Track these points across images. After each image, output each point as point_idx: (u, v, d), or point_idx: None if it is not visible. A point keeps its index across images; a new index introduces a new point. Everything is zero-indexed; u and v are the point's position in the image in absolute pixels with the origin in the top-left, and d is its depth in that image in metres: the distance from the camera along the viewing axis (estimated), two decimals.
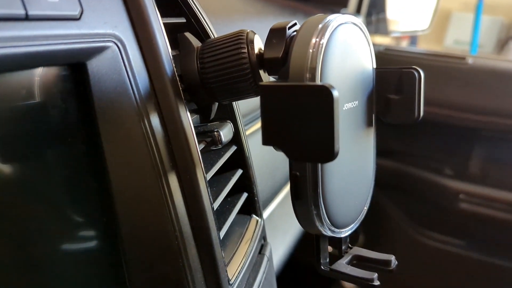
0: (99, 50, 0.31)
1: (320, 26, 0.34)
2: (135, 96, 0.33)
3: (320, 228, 0.35)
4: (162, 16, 0.40)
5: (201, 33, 0.45)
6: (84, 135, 0.31)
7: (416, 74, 0.39)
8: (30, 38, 0.25)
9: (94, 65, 0.31)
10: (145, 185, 0.33)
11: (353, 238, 1.39)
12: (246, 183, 0.51)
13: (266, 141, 0.32)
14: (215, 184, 0.46)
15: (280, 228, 0.86)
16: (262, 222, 0.52)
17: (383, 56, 1.48)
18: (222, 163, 0.45)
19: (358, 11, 1.48)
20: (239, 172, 0.49)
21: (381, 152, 1.49)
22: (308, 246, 0.53)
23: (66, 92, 0.30)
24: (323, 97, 0.28)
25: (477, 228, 1.41)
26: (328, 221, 0.35)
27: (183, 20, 0.43)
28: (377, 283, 0.36)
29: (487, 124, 1.35)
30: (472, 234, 1.42)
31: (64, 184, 0.30)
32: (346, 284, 1.54)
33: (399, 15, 1.84)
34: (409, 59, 1.45)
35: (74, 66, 0.30)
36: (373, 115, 0.40)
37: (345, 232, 0.38)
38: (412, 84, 0.39)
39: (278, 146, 0.31)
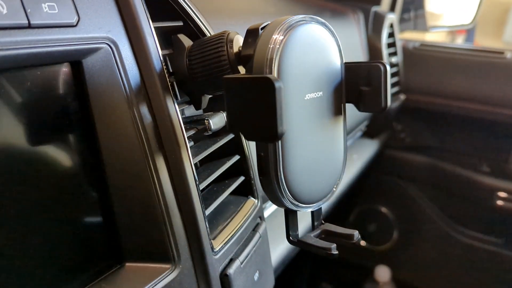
0: (94, 51, 0.38)
1: (281, 24, 0.39)
2: (125, 88, 0.39)
3: (285, 203, 0.40)
4: (163, 20, 0.47)
5: (198, 34, 0.51)
6: (81, 120, 0.38)
7: (382, 68, 0.43)
8: (32, 42, 0.32)
9: (89, 63, 0.37)
10: (133, 163, 0.40)
11: (387, 234, 1.42)
12: (243, 168, 0.57)
13: (230, 128, 0.37)
14: (211, 167, 0.52)
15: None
16: (258, 203, 0.57)
17: (418, 52, 1.48)
18: (216, 147, 0.51)
19: (392, 9, 1.49)
20: (236, 157, 0.55)
21: (417, 147, 1.50)
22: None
23: (65, 85, 0.37)
24: (267, 86, 0.33)
25: None
26: (291, 197, 0.40)
27: (180, 23, 0.49)
28: (335, 252, 0.41)
29: None
30: (508, 232, 1.39)
31: (64, 162, 0.38)
32: (379, 277, 1.55)
33: (442, 10, 1.81)
34: (445, 55, 1.44)
35: (71, 63, 0.37)
36: (343, 105, 0.44)
37: (310, 208, 0.43)
38: (379, 77, 0.43)
39: (238, 129, 0.37)
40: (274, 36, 0.38)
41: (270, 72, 0.37)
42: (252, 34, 0.42)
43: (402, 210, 1.58)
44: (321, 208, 0.46)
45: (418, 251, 1.57)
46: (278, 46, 0.37)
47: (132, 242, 0.41)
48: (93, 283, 0.38)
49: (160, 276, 0.40)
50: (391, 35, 1.35)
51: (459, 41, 4.14)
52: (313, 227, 0.46)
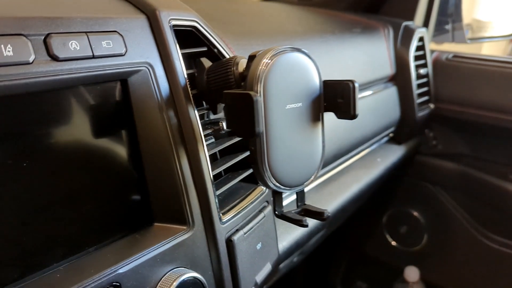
0: (136, 72, 0.54)
1: (270, 52, 0.53)
2: (158, 98, 0.55)
3: (269, 185, 0.55)
4: (193, 46, 0.63)
5: (219, 56, 0.67)
6: (126, 121, 0.54)
7: (351, 85, 0.56)
8: (95, 67, 0.49)
9: (133, 81, 0.54)
10: (162, 152, 0.56)
11: (418, 237, 1.52)
12: None
13: (228, 126, 0.52)
14: (227, 159, 0.67)
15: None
16: (266, 190, 0.71)
17: (450, 63, 1.55)
18: (231, 143, 0.66)
19: (426, 23, 1.57)
20: (247, 153, 0.70)
21: (449, 155, 1.59)
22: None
23: (116, 96, 0.53)
24: (248, 99, 0.47)
25: None
26: (274, 181, 0.54)
27: (204, 49, 0.65)
28: (306, 223, 0.54)
29: None
30: None
31: (114, 150, 0.54)
32: (409, 278, 1.63)
33: (491, 18, 1.84)
34: (477, 66, 1.50)
35: (121, 81, 0.53)
36: (321, 113, 0.58)
37: (291, 190, 0.57)
38: (348, 91, 0.56)
39: (232, 128, 0.51)
40: (263, 60, 0.52)
41: (258, 88, 0.51)
42: (251, 59, 0.56)
43: (433, 214, 1.65)
44: (303, 191, 0.60)
45: (447, 254, 1.63)
46: (265, 68, 0.52)
47: (160, 209, 0.57)
48: (130, 236, 0.55)
49: (179, 233, 0.56)
50: (421, 48, 1.44)
51: None
52: (297, 206, 0.60)
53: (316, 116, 0.57)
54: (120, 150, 0.55)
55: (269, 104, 0.52)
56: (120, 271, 0.49)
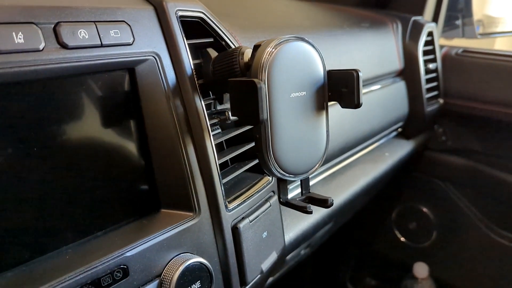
0: (144, 61, 0.55)
1: (274, 41, 0.54)
2: (165, 87, 0.56)
3: (274, 172, 0.55)
4: (200, 37, 0.64)
5: (226, 47, 0.68)
6: (133, 109, 0.56)
7: (355, 74, 0.57)
8: (103, 56, 0.50)
9: (140, 69, 0.55)
10: (169, 141, 0.57)
11: (427, 233, 1.52)
12: None
13: (233, 113, 0.53)
14: (234, 149, 0.68)
15: None
16: (272, 180, 0.72)
17: (459, 58, 1.54)
18: (237, 133, 0.67)
19: (435, 18, 1.57)
20: (253, 143, 0.71)
21: (458, 150, 1.58)
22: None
23: (124, 84, 0.55)
24: (252, 86, 0.48)
25: None
26: (279, 168, 0.55)
27: (211, 40, 0.66)
28: (310, 210, 0.55)
29: None
30: None
31: (122, 138, 0.55)
32: (418, 274, 1.63)
33: (503, 13, 1.83)
34: (487, 61, 1.50)
35: (128, 70, 0.54)
36: (325, 102, 0.58)
37: (295, 178, 0.57)
38: (353, 81, 0.57)
39: (238, 116, 0.52)
40: (267, 49, 0.53)
41: (262, 76, 0.52)
42: (256, 48, 0.57)
43: (442, 210, 1.65)
44: (308, 179, 0.61)
45: (457, 251, 1.63)
46: (269, 57, 0.53)
47: (166, 196, 0.58)
48: (137, 221, 0.56)
49: (185, 220, 0.57)
50: (430, 43, 1.43)
51: None
52: (302, 194, 0.61)
53: (320, 105, 0.58)
54: (128, 138, 0.56)
55: (273, 92, 0.53)
56: (128, 254, 0.50)
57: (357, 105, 0.57)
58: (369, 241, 1.86)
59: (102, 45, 0.50)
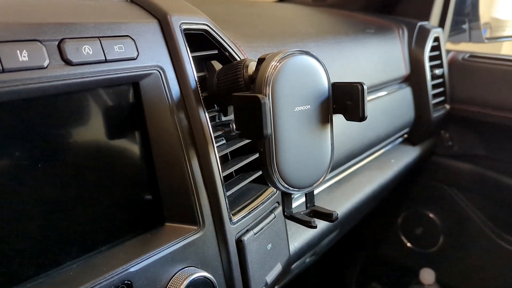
0: (148, 75, 0.55)
1: (279, 55, 0.54)
2: (169, 101, 0.56)
3: (278, 186, 0.55)
4: (199, 50, 0.64)
5: (230, 59, 0.67)
6: (138, 123, 0.56)
7: (360, 87, 0.56)
8: (107, 71, 0.50)
9: (145, 84, 0.55)
10: (173, 154, 0.57)
11: (433, 239, 1.51)
12: None
13: (237, 129, 0.53)
14: (238, 160, 0.68)
15: None
16: (276, 191, 0.72)
17: (466, 63, 1.53)
18: (241, 145, 0.67)
19: (441, 23, 1.56)
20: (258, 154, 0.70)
21: (465, 156, 1.57)
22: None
23: (128, 98, 0.55)
24: (256, 102, 0.48)
25: None
26: (283, 182, 0.55)
27: (215, 52, 0.66)
28: (314, 224, 0.55)
29: None
30: None
31: (126, 151, 0.55)
32: (424, 280, 1.62)
33: (504, 20, 1.82)
34: (494, 66, 1.49)
35: (133, 84, 0.54)
36: (330, 115, 0.58)
37: (299, 192, 0.57)
38: (357, 93, 0.57)
39: (241, 130, 0.52)
40: (272, 63, 0.53)
41: (266, 90, 0.52)
42: (260, 62, 0.57)
43: (449, 216, 1.64)
44: (313, 192, 0.61)
45: (463, 256, 1.62)
46: (273, 71, 0.53)
47: (171, 209, 0.58)
48: (141, 235, 0.56)
49: (189, 233, 0.57)
50: (436, 48, 1.43)
51: None
52: (306, 207, 0.60)
53: (325, 118, 0.58)
54: (132, 152, 0.56)
55: (277, 106, 0.53)
56: (132, 269, 0.50)
57: (361, 118, 0.57)
58: (375, 247, 1.85)
59: (106, 61, 0.50)
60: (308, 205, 0.61)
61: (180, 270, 0.55)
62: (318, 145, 0.58)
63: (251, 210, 0.65)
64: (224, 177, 0.61)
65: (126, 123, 0.55)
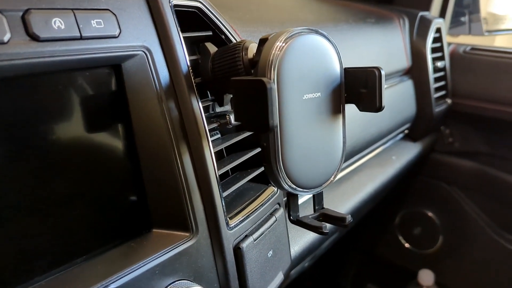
0: (132, 56, 0.47)
1: (284, 34, 0.46)
2: (157, 87, 0.48)
3: (284, 186, 0.48)
4: (197, 30, 0.56)
5: (226, 42, 0.60)
6: (119, 112, 0.48)
7: (377, 72, 0.49)
8: (82, 50, 0.42)
9: (128, 66, 0.47)
10: (161, 149, 0.49)
11: (432, 238, 1.44)
12: None
13: (236, 119, 0.45)
14: (235, 156, 0.60)
15: None
16: (277, 191, 0.64)
17: (468, 56, 1.47)
18: (238, 139, 0.59)
19: (442, 14, 1.49)
20: (258, 149, 0.63)
21: (466, 153, 1.50)
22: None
23: (108, 83, 0.47)
24: (261, 87, 0.40)
25: None
26: (289, 182, 0.47)
27: (209, 33, 0.58)
28: (326, 230, 0.47)
29: None
30: None
31: (106, 146, 0.47)
32: (423, 281, 1.56)
33: (508, 11, 1.77)
34: (496, 59, 1.43)
35: (113, 66, 0.46)
36: (342, 105, 0.51)
37: (307, 193, 0.50)
38: (374, 80, 0.49)
39: (241, 121, 0.45)
40: (277, 44, 0.45)
41: (271, 75, 0.44)
42: (262, 42, 0.49)
43: (449, 215, 1.58)
44: (322, 193, 0.53)
45: (463, 257, 1.56)
46: (278, 52, 0.45)
47: (159, 213, 0.50)
48: (124, 244, 0.48)
49: (180, 241, 0.49)
50: (438, 40, 1.36)
51: None
52: (314, 210, 0.53)
53: (336, 108, 0.50)
54: (113, 147, 0.48)
55: (284, 93, 0.45)
56: (112, 286, 0.42)
57: (378, 108, 0.50)
58: (372, 247, 1.79)
59: (81, 38, 0.42)
60: (317, 207, 0.53)
61: (170, 284, 0.47)
62: (329, 139, 0.51)
63: (250, 213, 0.58)
64: (219, 175, 0.53)
65: (106, 113, 0.47)
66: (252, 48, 0.51)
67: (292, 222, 0.52)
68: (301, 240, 0.80)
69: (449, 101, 1.43)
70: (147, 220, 0.50)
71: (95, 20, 0.43)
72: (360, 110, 0.52)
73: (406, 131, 1.38)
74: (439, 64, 1.35)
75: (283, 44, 0.45)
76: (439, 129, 1.52)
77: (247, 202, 0.59)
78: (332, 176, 0.52)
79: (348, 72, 0.51)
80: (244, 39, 0.53)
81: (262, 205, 0.60)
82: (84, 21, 0.42)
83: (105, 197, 0.47)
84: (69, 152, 0.44)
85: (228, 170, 0.60)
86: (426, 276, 1.57)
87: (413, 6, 1.44)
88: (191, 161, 0.51)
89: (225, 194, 0.54)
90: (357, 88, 0.51)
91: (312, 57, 0.48)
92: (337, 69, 0.50)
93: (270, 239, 0.61)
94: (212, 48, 0.55)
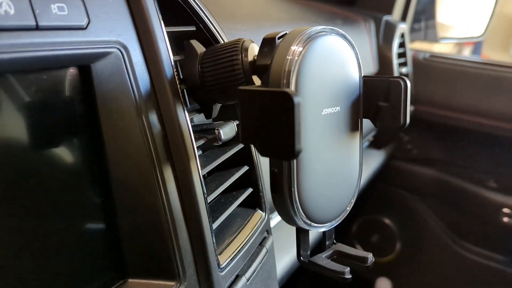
0: (103, 55, 0.36)
1: (300, 35, 0.37)
2: (135, 95, 0.37)
3: (297, 222, 0.38)
4: (175, 24, 0.46)
5: (211, 40, 0.49)
6: (88, 127, 0.36)
7: (402, 84, 0.41)
8: (39, 44, 0.31)
9: (98, 68, 0.36)
10: (141, 174, 0.38)
11: (390, 246, 1.39)
12: (252, 179, 0.55)
13: (243, 140, 0.35)
14: (219, 178, 0.50)
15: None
16: (266, 216, 0.55)
17: (427, 63, 1.46)
18: (225, 159, 0.49)
19: (403, 18, 1.47)
20: (245, 168, 0.53)
21: (423, 160, 1.47)
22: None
23: (73, 89, 0.35)
24: (285, 101, 0.31)
25: None
26: (304, 216, 0.38)
27: (193, 28, 0.48)
28: (348, 276, 0.39)
29: None
30: None
31: (67, 172, 0.36)
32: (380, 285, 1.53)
33: (453, 21, 1.79)
34: (455, 67, 1.42)
35: (80, 68, 0.35)
36: (360, 120, 0.42)
37: (323, 228, 0.41)
38: (399, 93, 0.41)
39: (252, 143, 0.35)
40: (293, 47, 0.36)
41: (288, 85, 0.35)
42: (268, 44, 0.40)
43: (407, 223, 1.56)
44: (333, 227, 0.44)
45: (421, 265, 1.55)
46: (296, 58, 0.36)
47: (136, 257, 0.39)
48: None
49: None
50: (401, 45, 1.33)
51: (466, 53, 4.12)
52: (325, 247, 0.44)
53: (354, 124, 0.42)
54: (78, 172, 0.36)
55: (302, 108, 0.36)
56: None
57: (403, 125, 0.42)
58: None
59: (38, 28, 0.31)
60: (327, 242, 0.44)
61: None
62: (347, 162, 0.42)
63: (241, 247, 0.48)
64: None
65: (69, 127, 0.35)
66: (253, 49, 0.42)
67: (303, 264, 0.42)
68: (278, 267, 0.71)
69: (411, 108, 1.41)
70: (121, 267, 0.39)
71: (56, 5, 0.32)
72: (377, 127, 0.44)
73: (371, 139, 1.34)
74: (404, 70, 1.32)
75: (301, 49, 0.36)
76: (398, 136, 1.50)
77: (236, 233, 0.49)
78: (348, 206, 0.43)
79: (366, 82, 0.43)
80: (241, 38, 0.43)
81: (252, 235, 0.51)
82: (42, 5, 0.31)
83: (65, 236, 0.36)
84: (18, 180, 0.32)
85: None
86: (383, 285, 1.54)
87: (376, 9, 1.40)
88: (176, 189, 0.40)
89: (215, 226, 0.44)
90: (375, 100, 0.43)
91: (332, 63, 0.39)
92: (356, 77, 0.41)
93: (262, 275, 0.51)
94: (198, 47, 0.45)
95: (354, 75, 0.41)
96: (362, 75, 0.43)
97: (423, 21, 1.66)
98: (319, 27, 0.38)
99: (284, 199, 0.37)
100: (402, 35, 1.33)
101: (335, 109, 0.39)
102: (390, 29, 1.27)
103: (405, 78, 0.42)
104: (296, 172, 0.37)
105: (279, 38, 0.40)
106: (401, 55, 1.33)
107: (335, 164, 0.40)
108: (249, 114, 0.35)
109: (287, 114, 0.31)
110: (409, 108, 0.42)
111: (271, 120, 0.33)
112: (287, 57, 0.36)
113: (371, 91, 0.43)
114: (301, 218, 0.38)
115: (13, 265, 0.33)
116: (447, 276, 1.50)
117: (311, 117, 0.37)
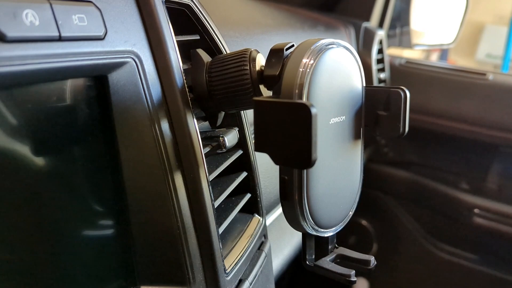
0: (119, 65, 0.36)
1: (311, 48, 0.38)
2: (148, 104, 0.38)
3: (305, 227, 0.40)
4: (178, 33, 0.46)
5: (214, 48, 0.50)
6: (103, 136, 0.37)
7: (402, 94, 0.43)
8: (62, 55, 0.31)
9: (114, 78, 0.36)
10: (153, 181, 0.39)
11: (367, 247, 1.42)
12: (250, 185, 0.56)
13: (257, 148, 0.37)
14: (220, 184, 0.51)
15: (286, 230, 0.91)
16: (263, 221, 0.57)
17: (403, 69, 1.50)
18: (227, 165, 0.50)
19: (381, 25, 1.51)
20: (244, 174, 0.54)
21: (398, 163, 1.51)
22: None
23: (89, 99, 0.35)
24: (302, 113, 0.32)
25: (491, 243, 1.42)
26: (312, 222, 0.40)
27: (197, 37, 0.48)
28: (353, 279, 0.41)
29: (505, 140, 1.36)
30: (486, 249, 1.43)
31: (82, 178, 0.36)
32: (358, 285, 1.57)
33: (425, 28, 1.85)
34: (430, 73, 1.47)
35: (97, 78, 0.35)
36: (361, 129, 0.44)
37: (328, 233, 0.42)
38: (398, 102, 0.43)
39: (266, 152, 0.36)
40: (304, 60, 0.38)
41: (300, 97, 0.37)
42: (276, 54, 0.41)
43: (383, 224, 1.60)
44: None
45: (397, 265, 1.59)
46: (308, 70, 0.37)
47: (147, 263, 0.40)
48: None
49: None
50: (380, 51, 1.37)
51: (434, 58, 4.26)
52: (327, 251, 0.46)
53: (357, 132, 0.44)
54: (93, 178, 0.37)
55: None
56: None
57: (402, 133, 0.44)
58: (303, 257, 1.76)
59: (60, 39, 0.31)
60: (330, 247, 0.46)
61: None
62: (350, 169, 0.44)
63: (243, 251, 0.49)
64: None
65: (85, 136, 0.36)
66: (260, 59, 0.43)
67: (308, 268, 0.44)
68: None
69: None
70: (132, 273, 0.40)
71: (76, 16, 0.32)
72: (376, 135, 0.46)
73: None
74: (382, 76, 1.35)
75: (313, 62, 0.37)
76: (375, 139, 1.54)
77: (237, 238, 0.50)
78: (351, 210, 0.45)
79: (367, 91, 0.45)
80: (248, 48, 0.45)
81: (252, 239, 0.52)
82: (64, 16, 0.31)
83: (76, 243, 0.36)
84: (32, 189, 0.32)
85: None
86: (361, 285, 1.58)
87: (354, 15, 1.44)
88: (186, 195, 0.41)
89: (220, 230, 0.45)
90: (375, 110, 0.45)
91: (339, 74, 0.40)
92: (359, 88, 0.43)
93: (262, 279, 0.53)
94: (205, 56, 0.46)
95: (357, 85, 0.43)
96: (364, 85, 0.45)
97: (398, 28, 1.71)
98: (328, 40, 0.40)
99: (294, 206, 0.39)
100: (380, 42, 1.37)
101: (341, 118, 0.41)
102: (369, 35, 1.31)
103: (404, 88, 0.44)
104: (306, 179, 0.38)
105: (286, 49, 0.41)
106: (379, 61, 1.37)
107: (340, 170, 0.42)
108: (264, 124, 0.36)
109: (305, 125, 0.32)
110: (408, 117, 0.44)
111: (287, 130, 0.34)
112: (299, 69, 0.37)
113: (371, 101, 0.45)
114: (309, 224, 0.40)
115: (26, 272, 0.33)
116: (422, 274, 1.55)
117: (320, 126, 0.38)
